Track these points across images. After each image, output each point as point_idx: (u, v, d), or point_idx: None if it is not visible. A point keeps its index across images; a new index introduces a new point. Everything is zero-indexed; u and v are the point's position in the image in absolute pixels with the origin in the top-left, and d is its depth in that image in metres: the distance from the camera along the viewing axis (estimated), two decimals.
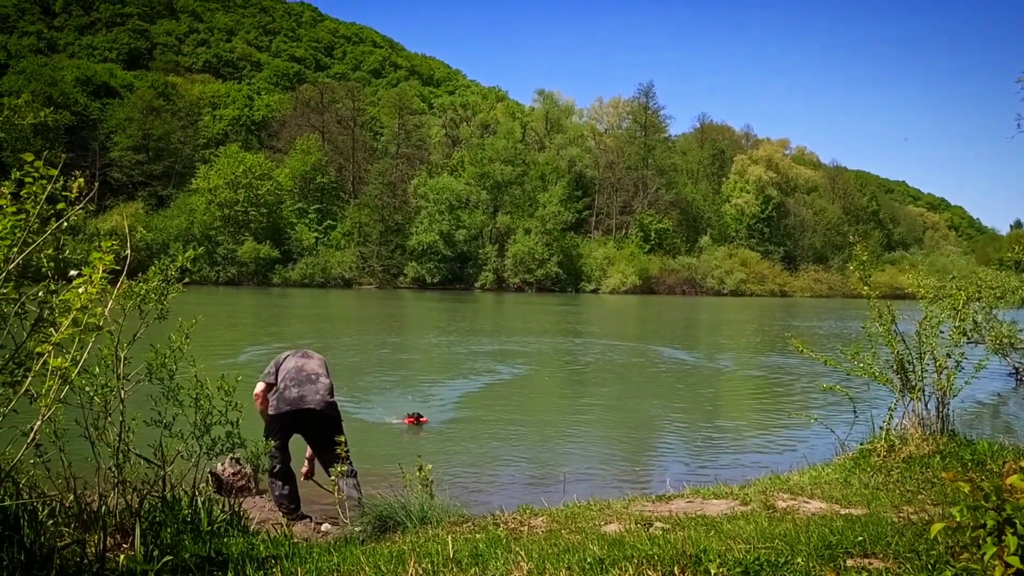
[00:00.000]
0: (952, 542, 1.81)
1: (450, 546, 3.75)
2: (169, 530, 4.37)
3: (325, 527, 5.80)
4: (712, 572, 2.58)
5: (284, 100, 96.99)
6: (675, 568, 2.89)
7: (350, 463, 6.44)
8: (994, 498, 1.59)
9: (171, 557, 3.55)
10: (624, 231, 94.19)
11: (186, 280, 5.03)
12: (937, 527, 1.74)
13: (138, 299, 4.55)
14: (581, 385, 16.11)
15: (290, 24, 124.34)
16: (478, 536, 4.40)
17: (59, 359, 3.21)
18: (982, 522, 1.59)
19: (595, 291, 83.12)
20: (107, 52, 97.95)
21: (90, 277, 3.21)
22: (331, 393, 6.90)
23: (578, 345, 25.14)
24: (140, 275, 4.64)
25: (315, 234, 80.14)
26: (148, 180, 79.74)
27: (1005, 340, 14.84)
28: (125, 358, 4.54)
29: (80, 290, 3.19)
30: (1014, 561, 1.52)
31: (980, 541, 1.58)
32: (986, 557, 1.56)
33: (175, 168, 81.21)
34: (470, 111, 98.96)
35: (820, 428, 8.40)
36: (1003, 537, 1.55)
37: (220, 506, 5.03)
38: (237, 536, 4.60)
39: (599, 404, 13.83)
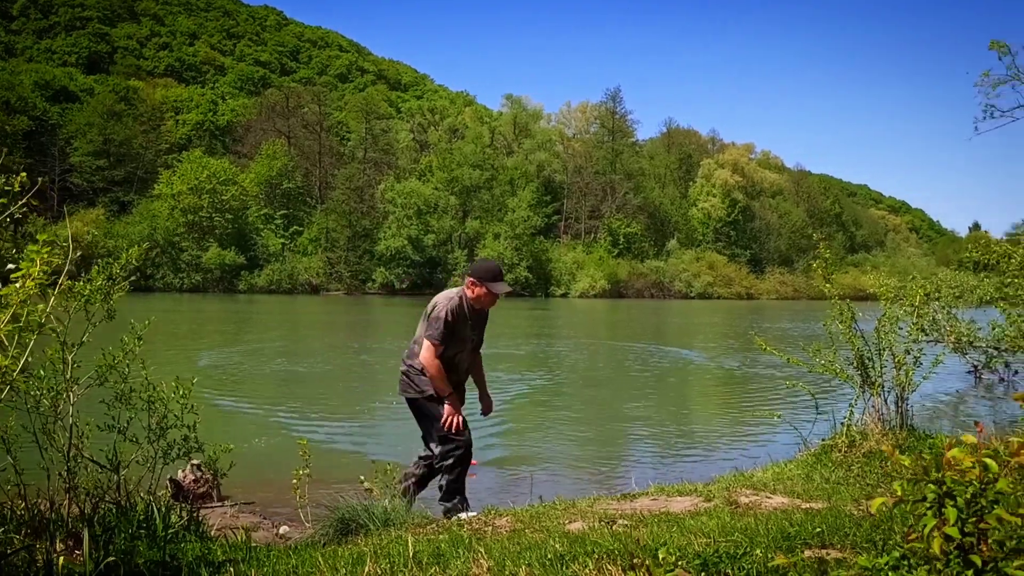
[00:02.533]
0: (906, 529, 1.81)
1: (410, 546, 3.71)
2: (123, 536, 4.28)
3: (283, 530, 5.72)
4: (670, 562, 2.56)
5: (249, 105, 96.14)
6: (634, 562, 2.87)
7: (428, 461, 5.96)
8: (934, 471, 1.59)
9: (113, 558, 3.46)
10: (593, 235, 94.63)
11: (130, 283, 4.90)
12: (878, 501, 1.74)
13: (82, 300, 4.43)
14: (553, 385, 16.10)
15: (254, 28, 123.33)
16: (441, 537, 4.36)
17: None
18: (922, 495, 1.59)
19: (564, 295, 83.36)
20: (66, 56, 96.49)
21: (27, 272, 3.12)
22: (409, 358, 5.89)
23: (554, 347, 25.19)
24: (83, 274, 4.54)
25: (282, 240, 79.56)
26: (109, 186, 78.59)
27: (964, 339, 15.05)
28: (74, 361, 4.43)
29: (17, 284, 3.10)
30: (953, 532, 1.52)
31: (921, 515, 1.59)
32: (926, 530, 1.57)
33: (137, 174, 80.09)
34: (438, 116, 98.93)
35: (784, 425, 8.47)
36: (943, 510, 1.55)
37: (177, 512, 4.93)
38: (194, 542, 4.51)
39: (569, 404, 13.82)
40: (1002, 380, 15.93)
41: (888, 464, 5.73)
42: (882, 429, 6.66)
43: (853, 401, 6.93)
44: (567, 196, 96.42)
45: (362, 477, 6.40)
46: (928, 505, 1.61)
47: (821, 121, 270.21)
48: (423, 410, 5.81)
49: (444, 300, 5.77)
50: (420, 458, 6.10)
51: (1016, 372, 15.74)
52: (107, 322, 4.69)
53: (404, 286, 79.62)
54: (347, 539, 4.82)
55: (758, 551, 3.04)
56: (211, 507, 6.77)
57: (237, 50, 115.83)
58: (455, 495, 5.76)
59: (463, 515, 5.47)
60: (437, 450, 5.76)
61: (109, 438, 4.81)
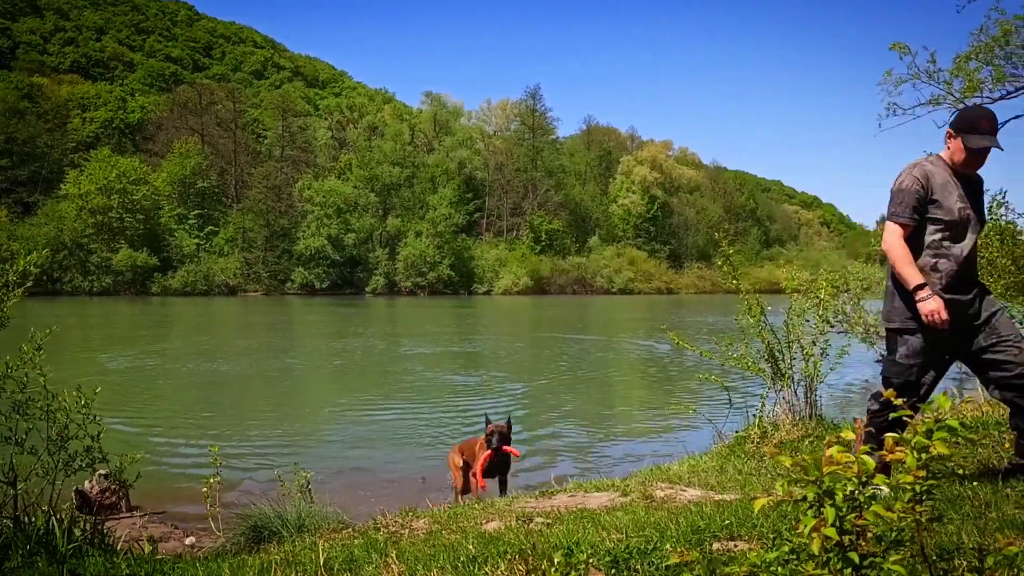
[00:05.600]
0: (793, 523, 1.85)
1: (321, 553, 3.64)
2: (20, 552, 4.09)
3: (189, 541, 5.56)
4: (581, 560, 2.58)
5: (160, 102, 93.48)
6: (545, 562, 2.88)
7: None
8: (814, 471, 1.63)
9: None
10: (515, 232, 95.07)
11: (34, 287, 4.69)
12: (760, 503, 1.77)
13: None
14: (481, 383, 16.08)
15: (165, 23, 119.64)
16: (356, 541, 4.29)
17: None
18: (803, 495, 1.63)
19: (487, 293, 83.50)
20: None
21: None
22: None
23: (482, 345, 25.19)
24: None
25: (196, 240, 77.65)
26: (13, 186, 75.54)
27: (872, 329, 15.61)
28: None
29: None
30: (831, 533, 1.56)
31: (801, 515, 1.62)
32: (805, 531, 1.60)
33: (42, 173, 77.07)
34: (357, 113, 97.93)
35: (701, 418, 8.65)
36: (823, 510, 1.59)
37: (81, 525, 4.73)
38: (97, 556, 4.34)
39: (494, 401, 13.80)
40: None
41: (798, 454, 5.89)
42: (792, 420, 6.85)
43: (764, 393, 7.11)
44: (488, 193, 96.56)
45: (280, 479, 6.28)
46: (808, 505, 1.64)
47: (736, 118, 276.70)
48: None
49: (907, 168, 4.39)
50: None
51: None
52: (2, 330, 4.49)
53: (324, 286, 78.66)
54: (259, 547, 4.72)
55: (668, 546, 3.08)
56: (119, 518, 6.56)
57: (147, 46, 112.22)
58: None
59: None
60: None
61: (6, 451, 4.60)
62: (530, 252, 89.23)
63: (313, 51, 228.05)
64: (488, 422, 6.42)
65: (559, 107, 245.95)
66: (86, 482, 6.63)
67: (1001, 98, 13.30)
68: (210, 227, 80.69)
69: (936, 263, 4.21)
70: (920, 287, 4.12)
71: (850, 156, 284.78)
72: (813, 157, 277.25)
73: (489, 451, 6.15)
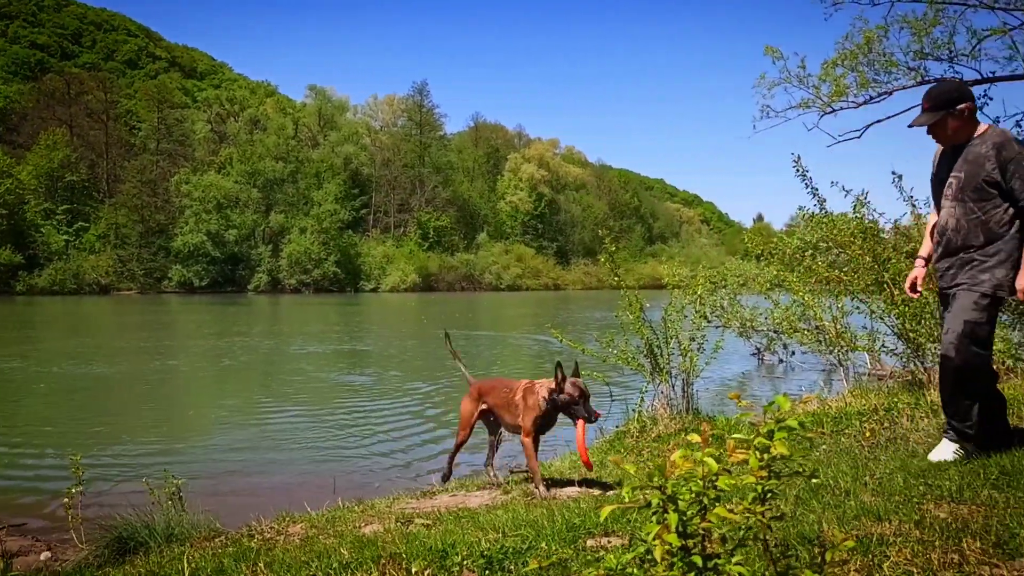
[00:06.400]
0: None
1: (187, 564, 3.49)
2: None
3: (44, 556, 5.25)
4: (456, 563, 2.55)
5: (25, 91, 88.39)
6: (419, 565, 2.84)
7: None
8: (657, 477, 1.65)
9: None
10: (402, 229, 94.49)
11: None
12: (607, 510, 1.78)
13: None
14: (373, 383, 15.83)
15: (30, 7, 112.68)
16: (228, 550, 4.14)
17: None
18: (648, 501, 1.65)
19: (375, 290, 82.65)
20: None
21: None
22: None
23: (371, 343, 24.86)
24: None
25: (65, 237, 73.90)
26: None
27: (747, 324, 16.18)
28: None
29: None
30: (672, 539, 1.58)
31: (647, 520, 1.65)
32: (649, 537, 1.62)
33: None
34: (238, 106, 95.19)
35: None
36: (667, 515, 1.61)
37: None
38: None
39: (387, 402, 13.61)
40: (781, 361, 17.23)
41: (676, 448, 6.04)
42: (671, 414, 7.02)
43: (643, 388, 7.26)
44: (375, 189, 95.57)
45: (149, 486, 6.00)
46: (652, 511, 1.66)
47: (621, 118, 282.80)
48: None
49: None
50: None
51: (793, 353, 17.02)
52: None
53: (204, 284, 76.18)
54: (124, 559, 4.50)
55: (543, 544, 3.09)
56: None
57: (10, 31, 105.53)
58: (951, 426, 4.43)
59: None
60: None
61: None
62: (418, 249, 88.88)
63: (191, 41, 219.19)
64: (562, 373, 5.07)
65: (446, 103, 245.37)
66: None
67: (865, 103, 13.99)
68: (80, 223, 76.97)
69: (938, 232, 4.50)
70: (917, 258, 4.73)
71: (728, 156, 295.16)
72: (694, 157, 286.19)
73: (581, 420, 5.03)
